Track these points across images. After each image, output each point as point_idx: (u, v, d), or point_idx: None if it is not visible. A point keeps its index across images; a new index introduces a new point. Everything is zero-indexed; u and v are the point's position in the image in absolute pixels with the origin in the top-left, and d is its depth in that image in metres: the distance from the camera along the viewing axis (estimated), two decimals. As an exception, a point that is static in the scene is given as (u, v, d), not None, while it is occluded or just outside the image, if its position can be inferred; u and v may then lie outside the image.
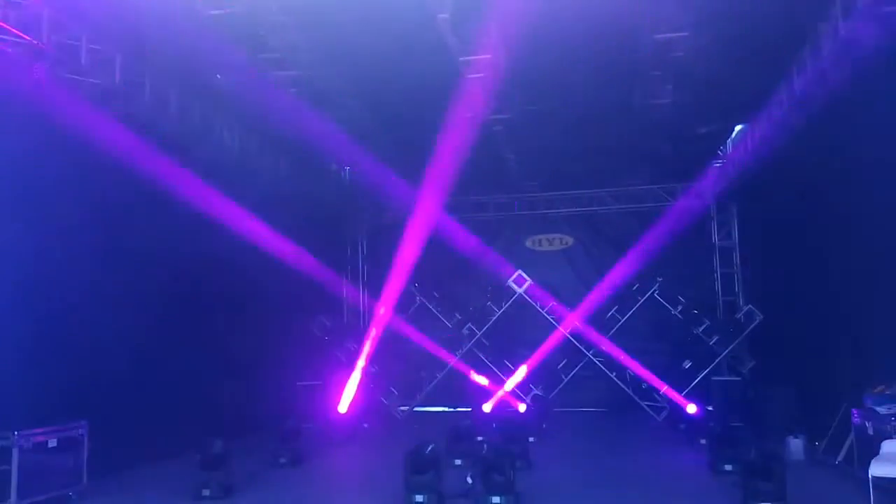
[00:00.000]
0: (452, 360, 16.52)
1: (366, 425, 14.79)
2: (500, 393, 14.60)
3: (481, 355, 16.84)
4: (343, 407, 14.53)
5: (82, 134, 8.97)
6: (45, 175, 8.91)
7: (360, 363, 15.43)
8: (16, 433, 7.84)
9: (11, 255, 8.40)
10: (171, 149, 10.68)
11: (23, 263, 8.56)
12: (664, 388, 15.29)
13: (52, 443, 8.32)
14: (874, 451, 7.40)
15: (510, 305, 16.75)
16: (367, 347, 15.68)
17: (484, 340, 16.99)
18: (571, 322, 16.06)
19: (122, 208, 10.14)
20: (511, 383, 15.23)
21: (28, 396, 8.31)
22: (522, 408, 13.76)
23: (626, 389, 16.15)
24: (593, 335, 16.03)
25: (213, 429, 9.69)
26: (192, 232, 11.28)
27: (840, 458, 9.57)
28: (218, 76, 10.58)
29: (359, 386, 15.31)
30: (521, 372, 15.71)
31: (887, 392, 8.51)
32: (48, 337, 8.79)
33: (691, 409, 11.06)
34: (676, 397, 12.19)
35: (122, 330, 10.01)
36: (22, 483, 7.81)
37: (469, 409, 15.25)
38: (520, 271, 16.74)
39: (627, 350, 15.91)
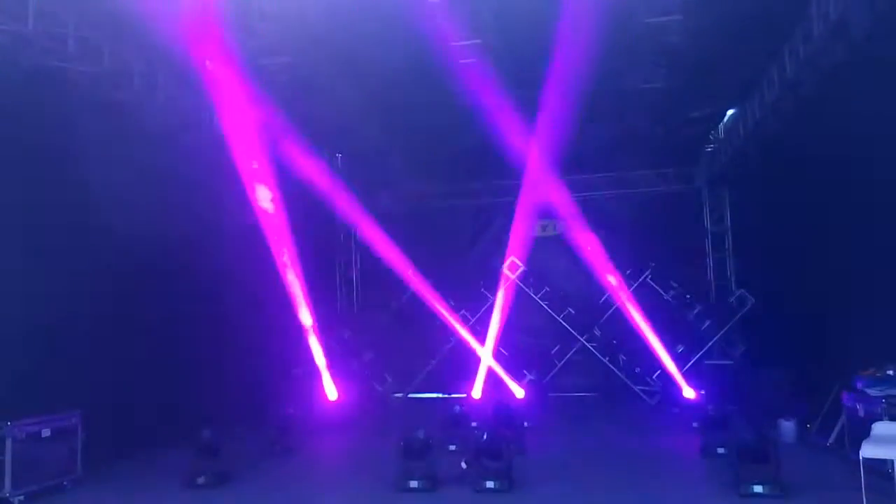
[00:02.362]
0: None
1: (359, 412, 14.80)
2: (480, 375, 13.36)
3: (476, 341, 16.86)
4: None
5: (73, 123, 8.93)
6: (32, 165, 8.82)
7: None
8: (9, 423, 7.82)
9: (2, 247, 8.34)
10: (159, 135, 10.63)
11: (15, 254, 8.50)
12: (658, 373, 15.39)
13: (46, 432, 8.32)
14: (865, 433, 7.44)
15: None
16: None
17: (478, 327, 17.01)
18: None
19: (116, 200, 10.05)
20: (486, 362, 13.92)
21: (21, 386, 8.29)
22: (521, 393, 12.72)
23: (620, 374, 16.23)
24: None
25: (208, 417, 9.69)
26: (184, 222, 11.21)
27: (831, 440, 9.65)
28: (207, 62, 10.49)
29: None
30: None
31: (878, 374, 8.57)
32: (41, 327, 8.74)
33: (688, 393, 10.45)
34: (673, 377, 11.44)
35: (116, 319, 9.98)
36: (16, 473, 7.81)
37: (463, 395, 15.29)
38: (513, 257, 16.75)
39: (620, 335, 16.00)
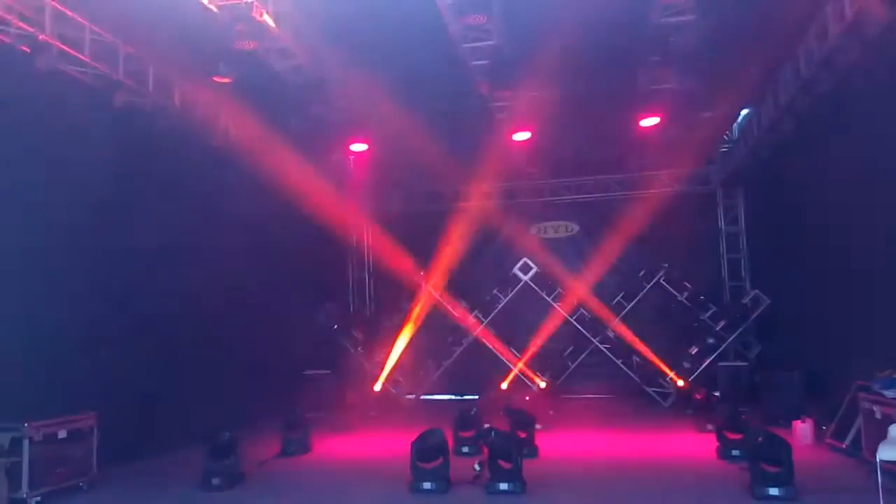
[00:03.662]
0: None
1: (373, 413, 14.84)
2: (515, 371, 14.62)
3: (487, 343, 16.89)
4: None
5: (85, 126, 9.01)
6: (47, 167, 8.89)
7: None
8: (26, 425, 7.89)
9: (17, 249, 8.41)
10: (174, 140, 10.71)
11: (28, 256, 8.58)
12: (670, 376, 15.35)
13: (62, 434, 8.37)
14: (882, 436, 7.38)
15: (517, 293, 16.80)
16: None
17: (490, 328, 17.03)
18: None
19: (126, 199, 10.14)
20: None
21: (38, 388, 8.37)
22: (542, 384, 14.04)
23: (633, 376, 16.17)
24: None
25: (222, 418, 9.74)
26: (196, 222, 11.29)
27: (847, 442, 9.56)
28: (221, 66, 10.55)
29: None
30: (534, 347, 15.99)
31: (895, 376, 8.49)
32: (57, 328, 8.82)
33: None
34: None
35: (131, 320, 10.05)
36: (33, 474, 7.87)
37: (476, 397, 15.30)
38: (525, 259, 16.74)
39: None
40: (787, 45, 10.24)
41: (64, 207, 9.13)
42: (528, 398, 9.20)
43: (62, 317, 8.93)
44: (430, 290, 17.15)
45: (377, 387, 16.27)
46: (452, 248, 17.06)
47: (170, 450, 10.49)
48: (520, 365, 15.28)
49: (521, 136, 13.81)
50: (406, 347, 16.71)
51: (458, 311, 17.09)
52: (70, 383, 8.85)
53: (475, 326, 16.87)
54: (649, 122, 13.09)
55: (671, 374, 15.44)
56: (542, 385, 14.64)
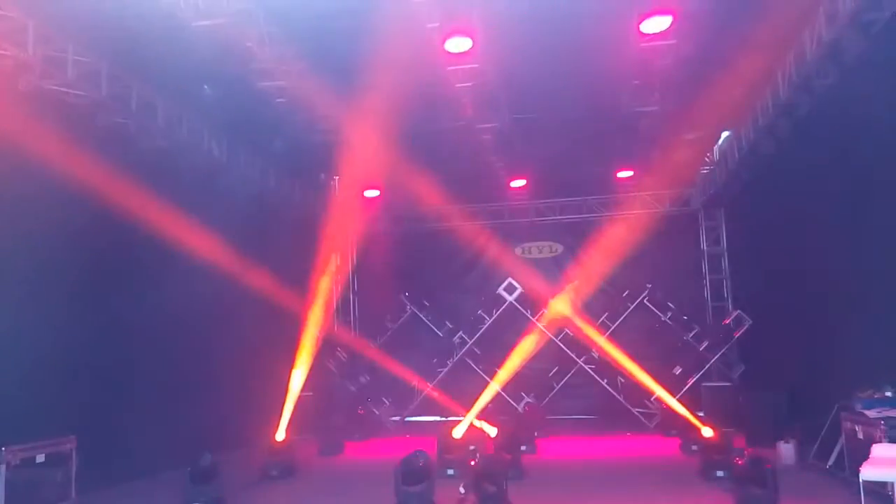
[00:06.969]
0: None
1: (357, 436, 14.73)
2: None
3: (472, 363, 16.87)
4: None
5: (64, 149, 8.95)
6: (26, 191, 8.80)
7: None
8: (3, 449, 7.74)
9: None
10: (157, 160, 10.66)
11: (7, 282, 8.47)
12: (654, 396, 15.36)
13: (40, 458, 8.23)
14: (864, 455, 7.42)
15: (501, 313, 16.81)
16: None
17: (475, 349, 17.01)
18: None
19: (113, 224, 10.04)
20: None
21: (15, 411, 8.22)
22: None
23: (618, 396, 16.18)
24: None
25: (203, 442, 9.62)
26: (178, 246, 11.20)
27: (831, 462, 9.59)
28: (205, 87, 10.55)
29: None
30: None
31: (876, 396, 8.54)
32: (35, 352, 8.69)
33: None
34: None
35: (110, 344, 9.93)
36: (9, 499, 7.71)
37: (461, 419, 15.20)
38: (510, 279, 16.76)
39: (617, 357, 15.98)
40: (767, 69, 10.40)
41: (46, 229, 9.04)
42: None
43: (41, 339, 8.80)
44: (415, 311, 17.14)
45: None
46: (437, 268, 17.08)
47: (151, 474, 10.34)
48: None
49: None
50: (390, 368, 16.64)
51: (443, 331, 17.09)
52: (49, 406, 8.71)
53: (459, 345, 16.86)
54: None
55: (656, 395, 15.46)
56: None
